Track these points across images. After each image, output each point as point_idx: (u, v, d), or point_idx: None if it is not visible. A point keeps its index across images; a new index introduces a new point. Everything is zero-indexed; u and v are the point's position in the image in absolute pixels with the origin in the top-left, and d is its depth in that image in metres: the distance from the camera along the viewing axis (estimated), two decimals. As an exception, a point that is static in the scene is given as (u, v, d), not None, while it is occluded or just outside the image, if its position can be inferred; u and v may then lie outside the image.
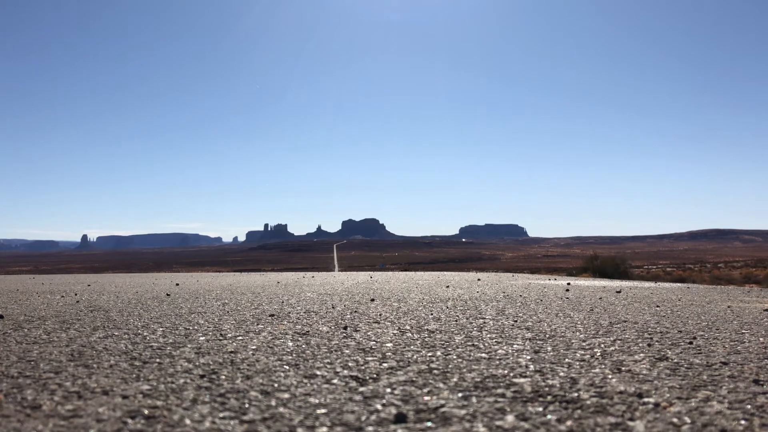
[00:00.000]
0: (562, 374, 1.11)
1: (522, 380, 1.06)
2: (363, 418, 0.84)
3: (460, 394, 0.97)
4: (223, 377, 1.09)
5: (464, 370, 1.15)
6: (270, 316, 2.08)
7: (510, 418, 0.84)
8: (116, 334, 1.66)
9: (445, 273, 7.30)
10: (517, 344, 1.45)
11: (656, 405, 0.90)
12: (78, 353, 1.35)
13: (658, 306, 2.51)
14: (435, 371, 1.14)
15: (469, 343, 1.46)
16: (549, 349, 1.39)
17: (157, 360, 1.26)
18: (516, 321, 1.92)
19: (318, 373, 1.13)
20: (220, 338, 1.56)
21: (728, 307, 2.51)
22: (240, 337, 1.57)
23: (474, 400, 0.94)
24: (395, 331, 1.67)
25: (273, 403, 0.92)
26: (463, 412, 0.87)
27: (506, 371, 1.14)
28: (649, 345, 1.45)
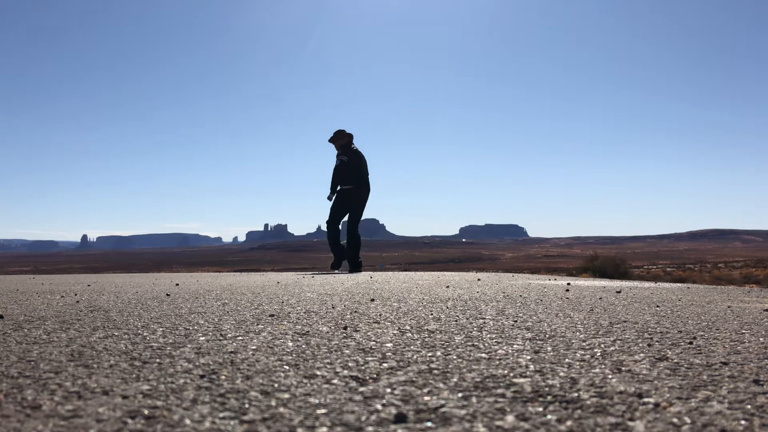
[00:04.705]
0: (562, 374, 1.11)
1: (522, 380, 1.06)
2: (363, 418, 0.84)
3: (460, 394, 0.97)
4: (223, 377, 1.09)
5: (464, 370, 1.15)
6: (270, 316, 2.08)
7: (510, 418, 0.84)
8: (116, 334, 1.66)
9: (445, 273, 7.30)
10: (517, 344, 1.45)
11: (656, 405, 0.90)
12: (78, 353, 1.35)
13: (658, 306, 2.51)
14: (435, 371, 1.14)
15: (469, 343, 1.46)
16: (549, 349, 1.39)
17: (157, 360, 1.26)
18: (516, 321, 1.92)
19: (318, 373, 1.13)
20: (220, 338, 1.56)
21: (728, 307, 2.51)
22: (240, 338, 1.57)
23: (474, 400, 0.94)
24: (395, 331, 1.67)
25: (273, 403, 0.92)
26: (463, 412, 0.87)
27: (506, 371, 1.14)
28: (649, 345, 1.45)
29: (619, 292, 3.46)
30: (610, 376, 1.09)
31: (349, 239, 8.07)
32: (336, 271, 8.05)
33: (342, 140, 7.97)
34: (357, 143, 7.96)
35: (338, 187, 7.95)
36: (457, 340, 1.51)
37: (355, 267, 7.92)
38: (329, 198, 7.98)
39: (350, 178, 7.87)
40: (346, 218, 8.20)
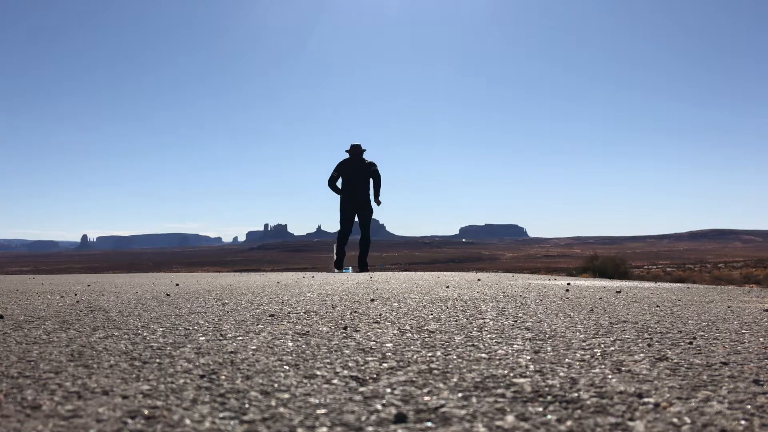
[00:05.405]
0: (562, 374, 1.11)
1: (522, 380, 1.06)
2: (363, 418, 0.84)
3: (460, 394, 0.97)
4: (223, 377, 1.09)
5: (464, 370, 1.15)
6: (270, 316, 2.08)
7: (510, 418, 0.84)
8: (116, 334, 1.66)
9: (445, 273, 7.30)
10: (517, 344, 1.45)
11: (656, 405, 0.90)
12: (78, 353, 1.35)
13: (658, 306, 2.51)
14: (435, 371, 1.14)
15: (469, 343, 1.46)
16: (549, 349, 1.39)
17: (157, 360, 1.26)
18: (516, 321, 1.92)
19: (318, 373, 1.13)
20: (220, 338, 1.56)
21: (728, 307, 2.51)
22: (240, 338, 1.57)
23: (474, 400, 0.94)
24: (395, 332, 1.67)
25: (273, 403, 0.92)
26: (463, 412, 0.87)
27: (506, 371, 1.14)
28: (649, 345, 1.45)
29: (619, 292, 3.46)
30: (610, 376, 1.09)
31: (362, 240, 8.77)
32: (336, 270, 8.53)
33: (352, 150, 8.77)
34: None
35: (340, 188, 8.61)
36: (457, 340, 1.51)
37: (363, 267, 8.58)
38: (330, 184, 8.56)
39: (344, 190, 8.55)
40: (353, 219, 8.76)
